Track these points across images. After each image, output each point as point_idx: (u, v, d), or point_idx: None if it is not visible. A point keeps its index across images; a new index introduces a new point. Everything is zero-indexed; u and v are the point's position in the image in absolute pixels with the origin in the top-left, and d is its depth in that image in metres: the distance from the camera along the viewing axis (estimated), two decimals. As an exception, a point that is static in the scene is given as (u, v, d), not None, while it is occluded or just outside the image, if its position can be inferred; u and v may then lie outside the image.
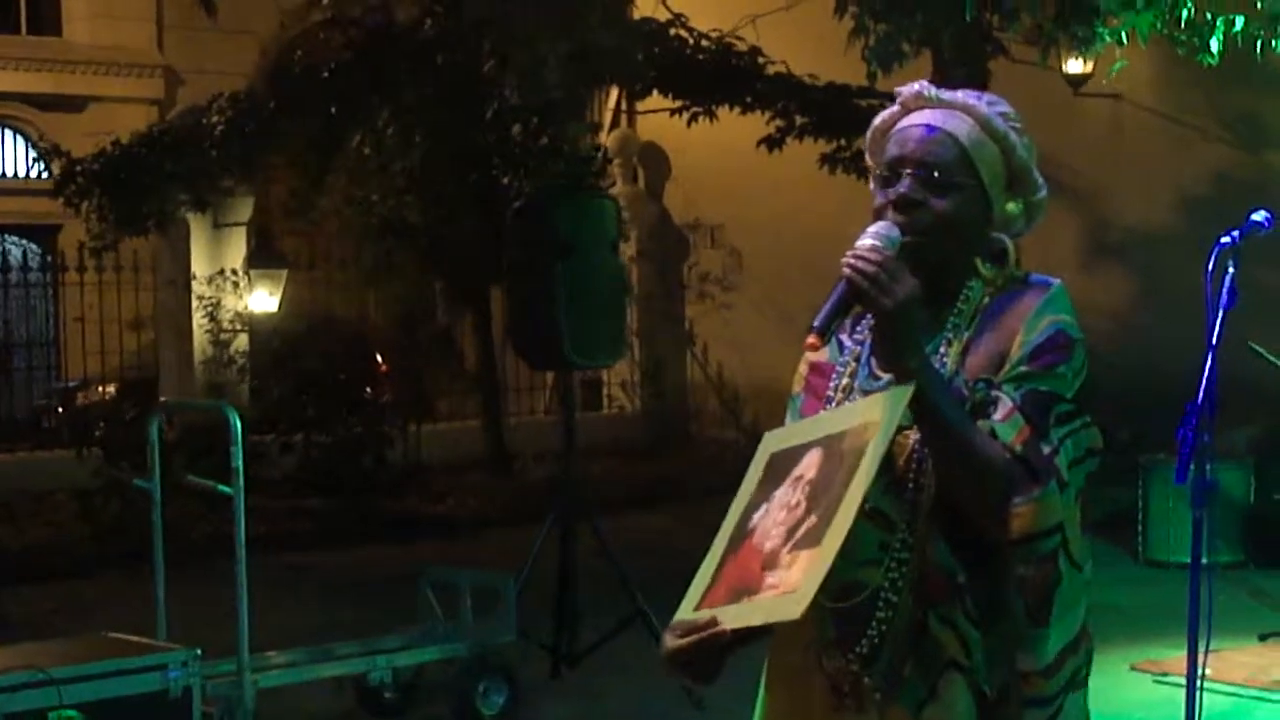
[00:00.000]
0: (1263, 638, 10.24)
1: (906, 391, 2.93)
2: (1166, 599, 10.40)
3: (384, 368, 19.81)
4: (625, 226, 10.34)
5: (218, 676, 7.87)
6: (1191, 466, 5.78)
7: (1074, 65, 16.23)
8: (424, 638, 9.09)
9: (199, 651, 7.31)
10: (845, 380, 3.21)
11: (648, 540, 13.49)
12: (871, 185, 3.22)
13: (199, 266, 19.37)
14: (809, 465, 3.04)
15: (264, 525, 14.55)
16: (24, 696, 6.73)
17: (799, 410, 3.31)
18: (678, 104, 17.14)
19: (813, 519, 2.91)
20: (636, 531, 13.61)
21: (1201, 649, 5.92)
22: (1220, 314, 5.67)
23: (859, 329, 3.22)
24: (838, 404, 3.19)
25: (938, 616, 3.04)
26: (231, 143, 16.23)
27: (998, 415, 3.02)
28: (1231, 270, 5.63)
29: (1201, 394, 5.77)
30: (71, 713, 6.66)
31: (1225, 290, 5.62)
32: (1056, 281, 3.17)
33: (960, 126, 3.16)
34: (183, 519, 12.76)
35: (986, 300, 3.14)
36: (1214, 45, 10.70)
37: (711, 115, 16.95)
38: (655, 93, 17.33)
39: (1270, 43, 10.75)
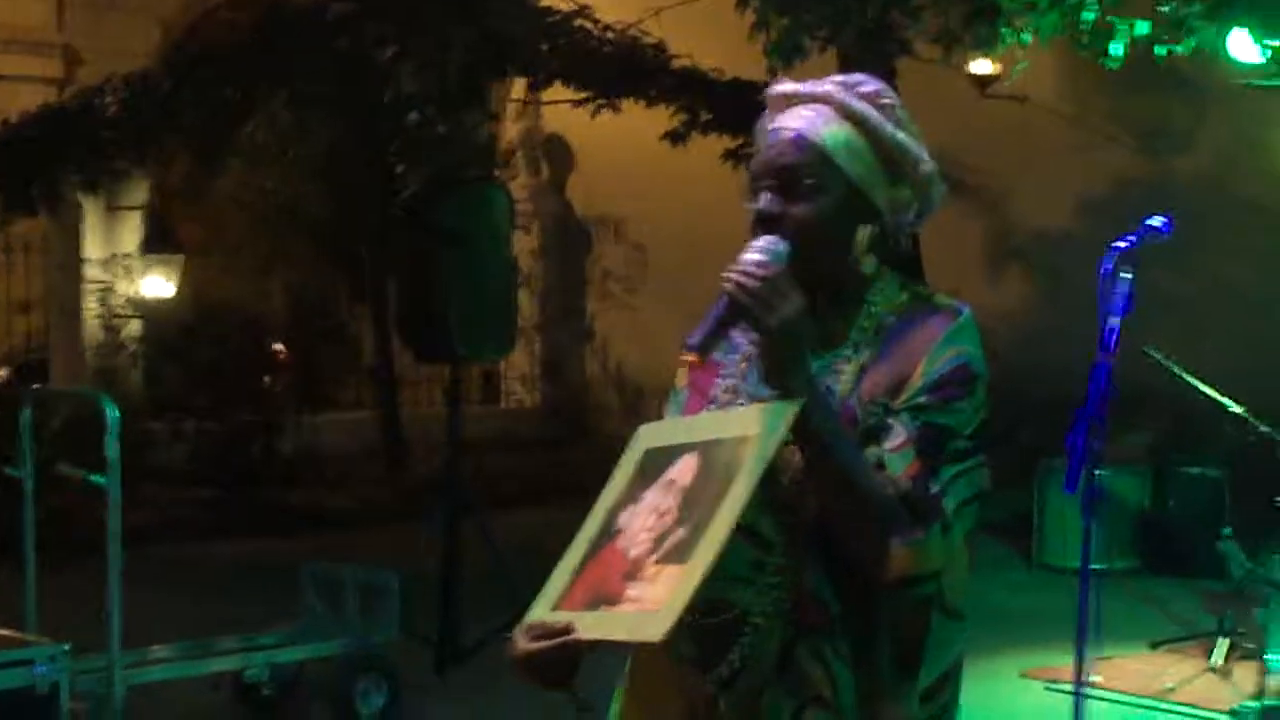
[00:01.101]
0: (1155, 645, 10.20)
1: (789, 409, 2.79)
2: (1058, 605, 10.34)
3: (280, 356, 19.57)
4: (522, 218, 10.16)
5: (88, 672, 7.65)
6: (1081, 475, 5.68)
7: (981, 66, 16.17)
8: (304, 634, 8.92)
9: (67, 646, 7.09)
10: (733, 381, 3.09)
11: (540, 536, 13.26)
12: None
13: (92, 250, 19.05)
14: (684, 470, 2.90)
15: (149, 514, 14.34)
16: (-122, 691, 6.51)
17: (681, 406, 3.18)
18: (582, 96, 16.96)
19: (681, 532, 2.77)
20: (529, 528, 13.38)
21: (1091, 657, 5.84)
22: (1115, 320, 5.58)
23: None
24: (722, 405, 3.06)
25: (807, 647, 2.89)
26: (126, 124, 15.94)
27: (889, 444, 2.88)
28: (1127, 276, 5.54)
29: (1092, 401, 5.67)
30: (-73, 709, 6.44)
31: (1120, 296, 5.53)
32: (965, 309, 3.02)
33: (815, 122, 3.02)
34: (61, 510, 12.49)
35: (892, 320, 3.00)
36: (1117, 49, 10.62)
37: (616, 108, 16.78)
38: (559, 84, 17.15)
39: (1174, 48, 10.69)
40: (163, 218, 19.31)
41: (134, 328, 18.85)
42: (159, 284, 19.02)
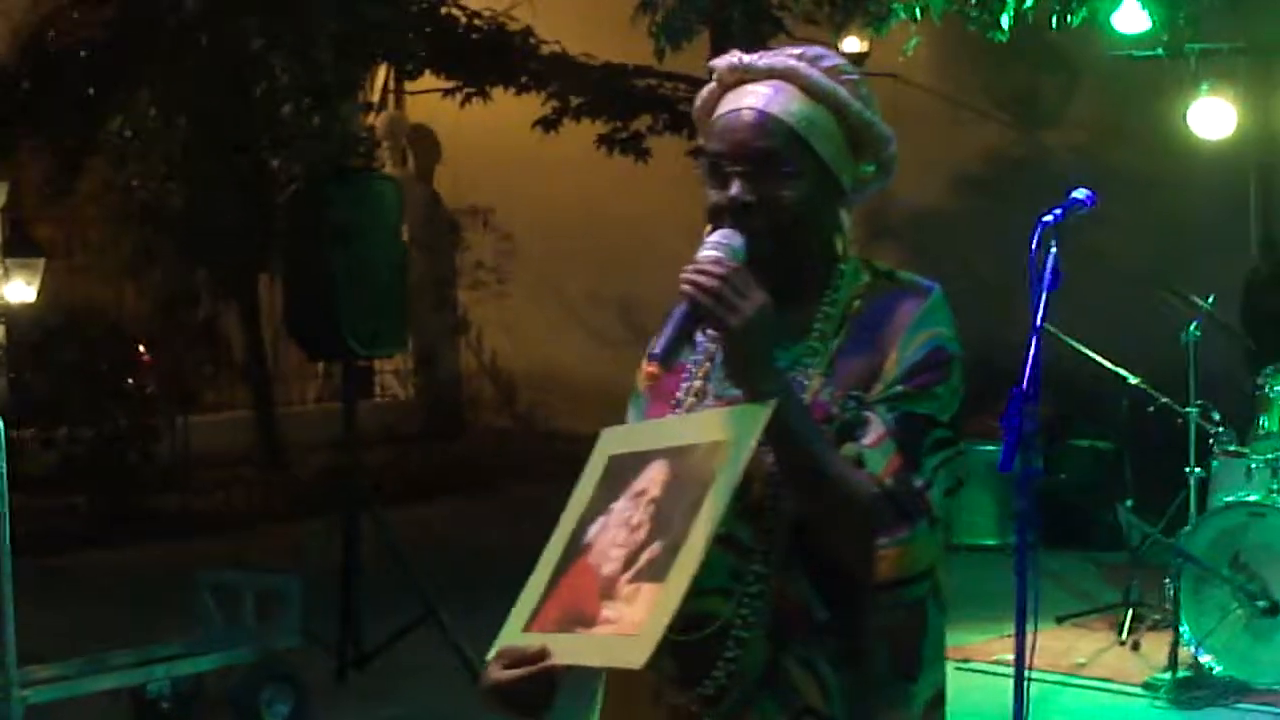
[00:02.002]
0: (1060, 620, 10.17)
1: (760, 412, 2.64)
2: (961, 583, 10.27)
3: (146, 358, 19.22)
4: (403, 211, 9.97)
5: (-17, 693, 7.41)
6: (1017, 454, 5.59)
7: (850, 44, 16.14)
8: (204, 644, 8.70)
9: (-39, 668, 6.87)
10: (698, 382, 2.93)
11: (428, 534, 13.20)
12: (702, 176, 2.93)
13: (-50, 254, 18.63)
14: (652, 480, 2.75)
15: (24, 525, 13.99)
16: None
17: (643, 411, 3.03)
18: (450, 84, 16.76)
19: (656, 547, 2.63)
20: (416, 524, 13.27)
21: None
22: (1044, 295, 5.50)
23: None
24: (688, 409, 2.91)
25: (795, 657, 2.75)
26: (-18, 124, 15.60)
27: (867, 440, 2.74)
28: (1054, 250, 5.45)
29: (1026, 379, 5.58)
30: None
31: (1049, 270, 5.45)
32: (935, 287, 2.91)
33: (783, 101, 2.85)
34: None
35: (857, 304, 2.88)
36: (1005, 21, 10.59)
37: (485, 96, 16.60)
38: (427, 73, 16.95)
39: (1066, 18, 10.67)
40: (22, 220, 18.87)
41: (-3, 334, 18.46)
42: (20, 288, 18.59)
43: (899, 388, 2.77)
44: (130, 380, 17.30)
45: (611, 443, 2.93)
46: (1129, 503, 10.35)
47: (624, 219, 18.50)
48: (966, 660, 9.23)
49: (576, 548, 2.78)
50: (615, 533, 2.72)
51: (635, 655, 2.52)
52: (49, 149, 16.79)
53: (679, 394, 2.93)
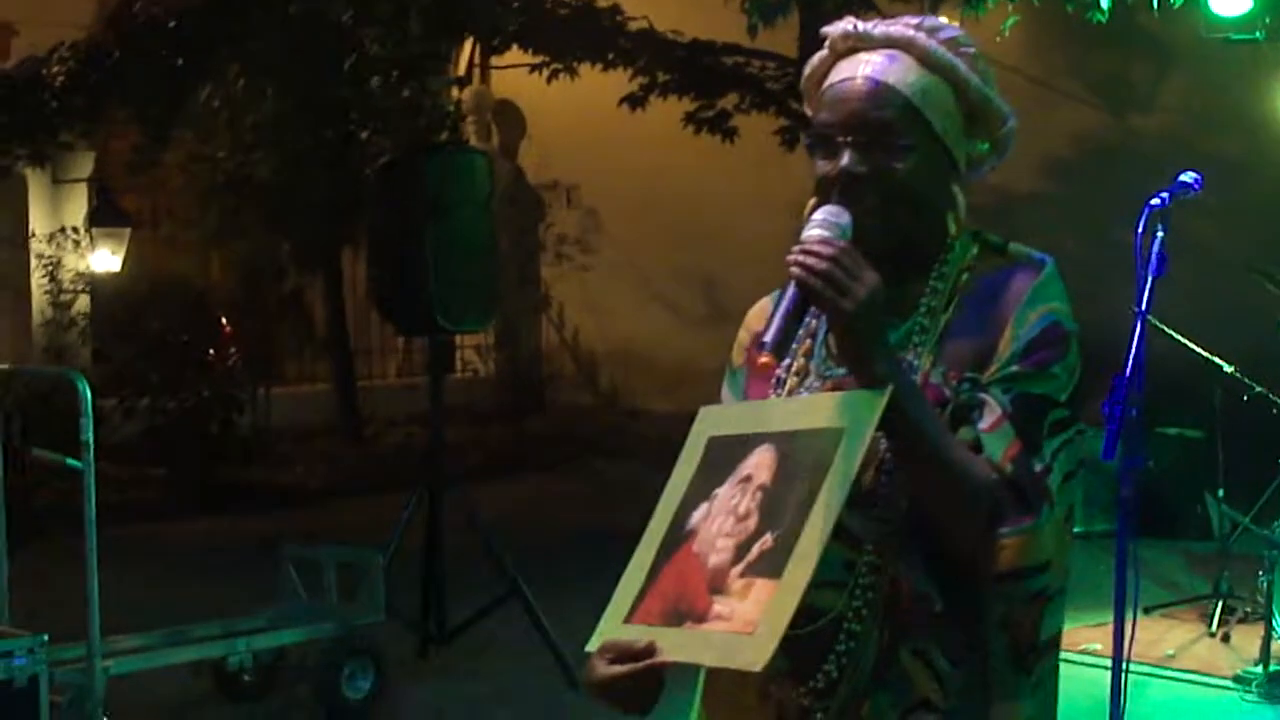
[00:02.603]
0: (1148, 610, 10.02)
1: (876, 398, 2.51)
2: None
3: (229, 329, 19.26)
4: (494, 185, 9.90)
5: (66, 663, 7.39)
6: (1119, 442, 5.50)
7: (941, 25, 16.01)
8: (286, 618, 8.66)
9: (45, 637, 6.86)
10: (799, 360, 2.81)
11: (508, 510, 13.16)
12: (808, 148, 2.79)
13: (38, 224, 18.71)
14: (760, 466, 2.61)
15: (107, 494, 14.03)
16: None
17: (741, 389, 2.91)
18: (537, 60, 16.70)
19: (768, 539, 2.50)
20: (496, 500, 13.21)
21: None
22: (1150, 280, 5.40)
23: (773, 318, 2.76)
24: (790, 390, 2.79)
25: (910, 649, 2.63)
26: (73, 94, 15.61)
27: (984, 423, 2.60)
28: (1161, 234, 5.34)
29: (1129, 366, 5.49)
30: (-95, 708, 6.17)
31: (1155, 254, 5.34)
32: (1049, 260, 2.75)
33: (899, 71, 2.71)
34: (17, 490, 12.19)
35: (965, 279, 2.73)
36: (1104, 2, 10.43)
37: (572, 72, 16.54)
38: (514, 48, 16.90)
39: (1171, 1, 10.50)
40: (109, 190, 18.94)
41: (82, 303, 18.53)
42: (106, 258, 18.68)
43: (1014, 367, 2.62)
44: (213, 352, 17.35)
45: (711, 423, 2.80)
46: (1220, 492, 10.19)
47: (708, 197, 18.43)
48: (1058, 650, 9.12)
49: (679, 534, 2.66)
50: (721, 520, 2.60)
51: (754, 656, 2.40)
52: (137, 119, 16.81)
53: (779, 372, 2.81)
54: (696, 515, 2.65)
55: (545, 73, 16.70)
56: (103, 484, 13.77)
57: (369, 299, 11.58)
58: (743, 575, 2.50)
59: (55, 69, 15.74)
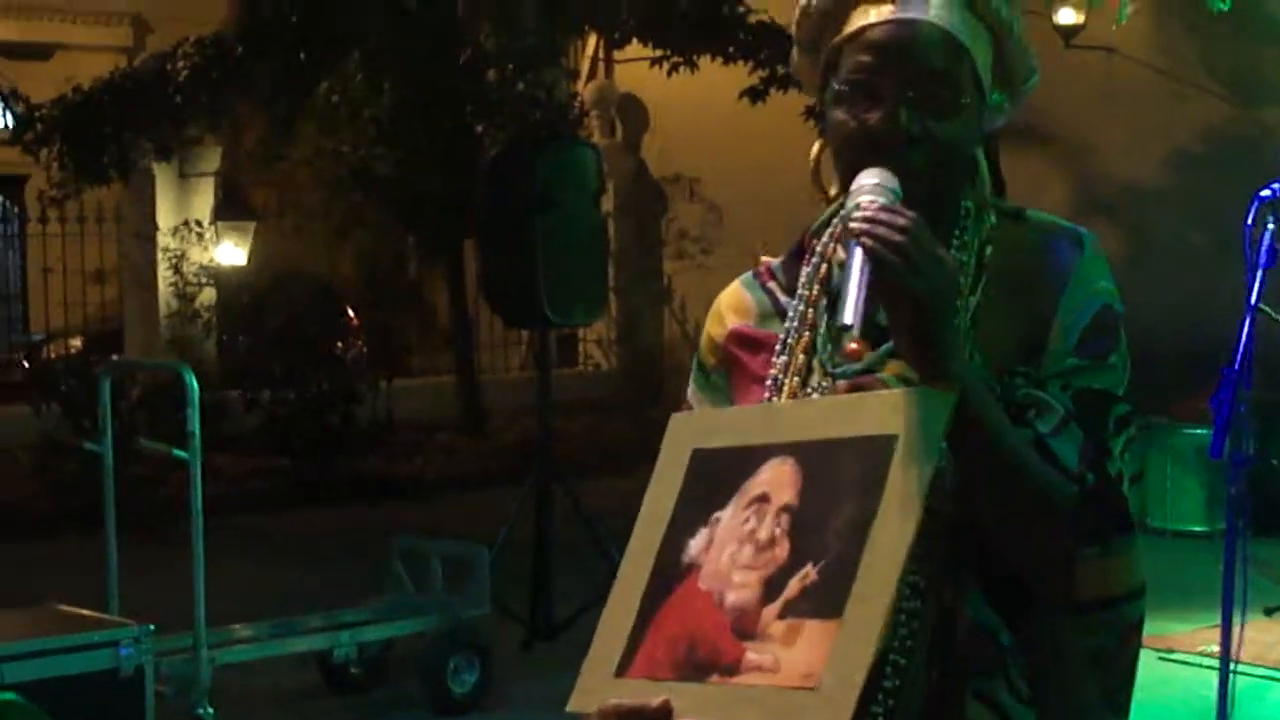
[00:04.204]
0: (1269, 611, 9.86)
1: (945, 400, 2.11)
2: (1167, 570, 10.01)
3: (354, 322, 19.37)
4: (605, 179, 9.89)
5: (172, 653, 7.44)
6: (1227, 438, 5.38)
7: (1066, 16, 15.82)
8: (392, 610, 8.68)
9: (152, 627, 6.89)
10: (798, 357, 2.38)
11: (625, 504, 13.08)
12: (807, 82, 2.44)
13: (164, 218, 18.92)
14: (776, 483, 2.20)
15: (227, 485, 14.18)
16: (-39, 676, 6.30)
17: (728, 393, 2.49)
18: (658, 54, 16.68)
19: (810, 572, 2.09)
20: (615, 494, 13.15)
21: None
22: (1259, 273, 5.27)
23: (806, 277, 2.44)
24: (790, 392, 2.37)
25: (973, 690, 2.26)
26: (197, 89, 15.78)
27: (1047, 426, 2.25)
28: (1272, 226, 5.22)
29: (1238, 359, 5.36)
30: (12, 695, 6.21)
31: (1265, 247, 5.23)
32: (1086, 233, 2.39)
33: (952, 14, 2.30)
34: (141, 481, 12.32)
35: (990, 254, 2.35)
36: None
37: (692, 66, 16.49)
38: (635, 42, 16.88)
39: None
40: (235, 184, 19.13)
41: (207, 296, 18.71)
42: (231, 251, 18.86)
43: (1071, 360, 2.29)
44: (337, 344, 17.45)
45: (691, 433, 2.35)
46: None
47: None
48: (1170, 651, 8.96)
49: (675, 569, 2.22)
50: (734, 550, 2.18)
51: (828, 717, 1.99)
52: (262, 114, 16.97)
53: (774, 371, 2.40)
54: (695, 544, 2.23)
55: (666, 66, 16.67)
56: (223, 475, 14.00)
57: (480, 291, 11.57)
58: (782, 616, 2.09)
59: (180, 65, 15.91)
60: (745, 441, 2.27)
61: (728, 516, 2.22)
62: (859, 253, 2.12)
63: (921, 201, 2.23)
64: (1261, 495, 12.50)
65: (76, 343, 19.44)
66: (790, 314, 2.43)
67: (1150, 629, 7.75)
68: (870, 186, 2.20)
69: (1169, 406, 12.13)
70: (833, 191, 2.44)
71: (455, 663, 8.40)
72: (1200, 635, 9.06)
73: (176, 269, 18.61)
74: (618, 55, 20.14)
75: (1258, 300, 5.14)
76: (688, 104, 19.01)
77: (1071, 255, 2.36)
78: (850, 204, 2.19)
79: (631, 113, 21.66)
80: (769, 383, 2.40)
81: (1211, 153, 16.53)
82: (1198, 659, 8.71)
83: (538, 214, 8.99)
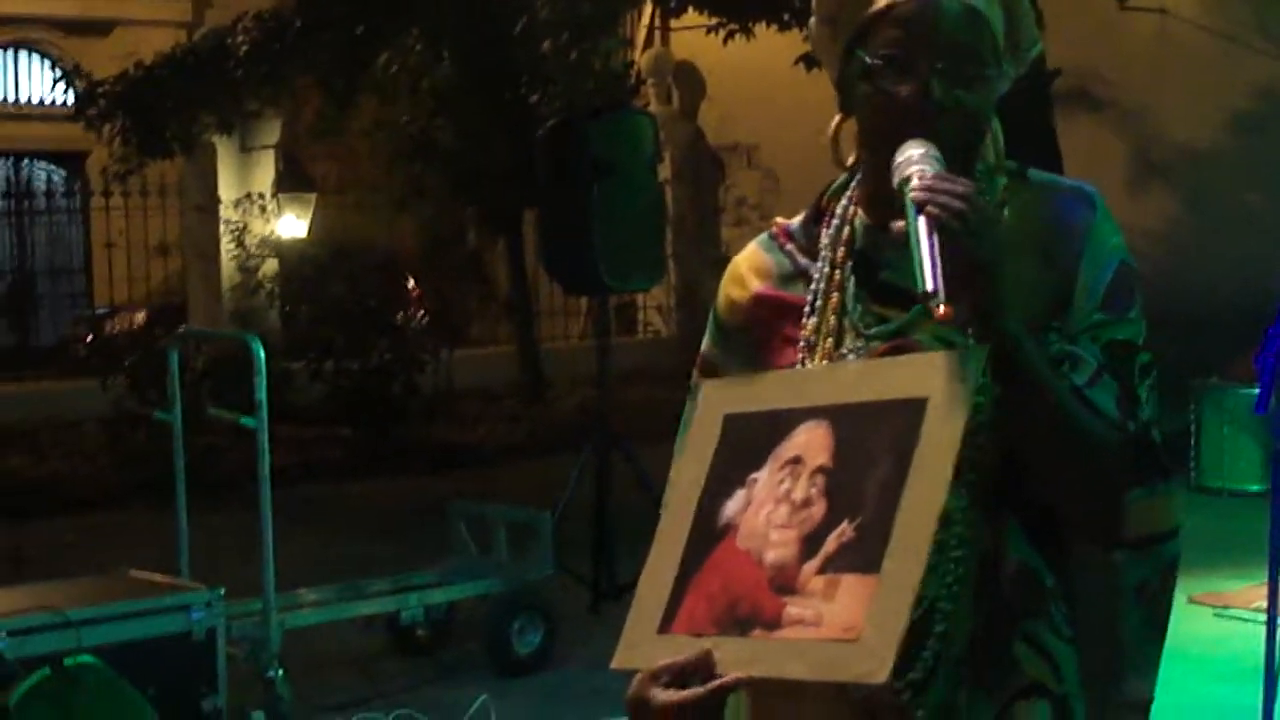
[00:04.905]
0: (1306, 567, 9.90)
1: (976, 359, 2.21)
2: (1221, 529, 10.10)
3: (415, 292, 19.53)
4: (661, 147, 9.99)
5: (243, 616, 7.59)
6: (1272, 396, 5.47)
7: (1118, -22, 15.83)
8: (457, 574, 8.81)
9: (223, 591, 7.04)
10: (829, 319, 2.44)
11: (685, 469, 13.21)
12: (827, 56, 2.48)
13: (226, 191, 19.11)
14: (810, 445, 2.27)
15: (292, 455, 14.34)
16: (40, 639, 6.43)
17: (754, 356, 2.51)
18: (713, 21, 16.72)
19: (847, 529, 2.16)
20: (671, 460, 13.30)
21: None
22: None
23: (828, 239, 2.49)
24: (825, 354, 2.42)
25: (1017, 630, 2.35)
26: (257, 63, 15.90)
27: (1082, 377, 2.34)
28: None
29: (1282, 319, 5.44)
30: (88, 658, 6.37)
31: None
32: (1095, 191, 2.46)
33: None
34: (210, 450, 12.50)
35: (1005, 213, 2.42)
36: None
37: (748, 33, 16.52)
38: (690, 10, 16.92)
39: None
40: (295, 157, 19.29)
41: (270, 268, 18.88)
42: (293, 223, 19.04)
43: (1098, 315, 2.38)
44: (399, 314, 17.60)
45: (721, 399, 2.43)
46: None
47: (888, 158, 18.41)
48: (1226, 607, 9.03)
49: (712, 529, 2.29)
50: (770, 510, 2.25)
51: (871, 666, 2.06)
52: (321, 87, 17.10)
53: (805, 334, 2.45)
54: (732, 505, 2.30)
55: (722, 34, 16.70)
56: (288, 444, 14.16)
57: (539, 259, 11.69)
58: (821, 571, 2.16)
59: (240, 39, 16.04)
60: (777, 406, 2.34)
61: (764, 478, 2.29)
62: (923, 221, 2.20)
63: (949, 166, 2.29)
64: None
65: (140, 317, 19.62)
66: (816, 276, 2.48)
67: (1205, 586, 7.88)
68: (919, 157, 2.28)
69: (1223, 366, 12.20)
70: (849, 160, 2.51)
71: (520, 624, 8.52)
72: (1254, 592, 9.12)
73: (239, 242, 18.79)
74: (673, 23, 20.17)
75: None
76: (744, 71, 19.06)
77: (1086, 214, 2.43)
78: (900, 176, 2.27)
79: (688, 81, 21.72)
80: (801, 345, 2.45)
81: (1267, 112, 16.53)
82: (1252, 615, 8.77)
83: (595, 182, 9.09)
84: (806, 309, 2.47)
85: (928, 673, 2.31)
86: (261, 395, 7.51)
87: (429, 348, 17.08)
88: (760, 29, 16.42)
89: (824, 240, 2.49)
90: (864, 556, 2.13)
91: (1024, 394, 2.26)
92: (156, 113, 16.13)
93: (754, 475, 2.30)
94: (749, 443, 2.34)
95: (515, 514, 9.07)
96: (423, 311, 18.73)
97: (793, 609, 2.15)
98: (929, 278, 2.17)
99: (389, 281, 18.58)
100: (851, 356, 2.41)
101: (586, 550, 9.51)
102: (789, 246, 2.56)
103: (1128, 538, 2.37)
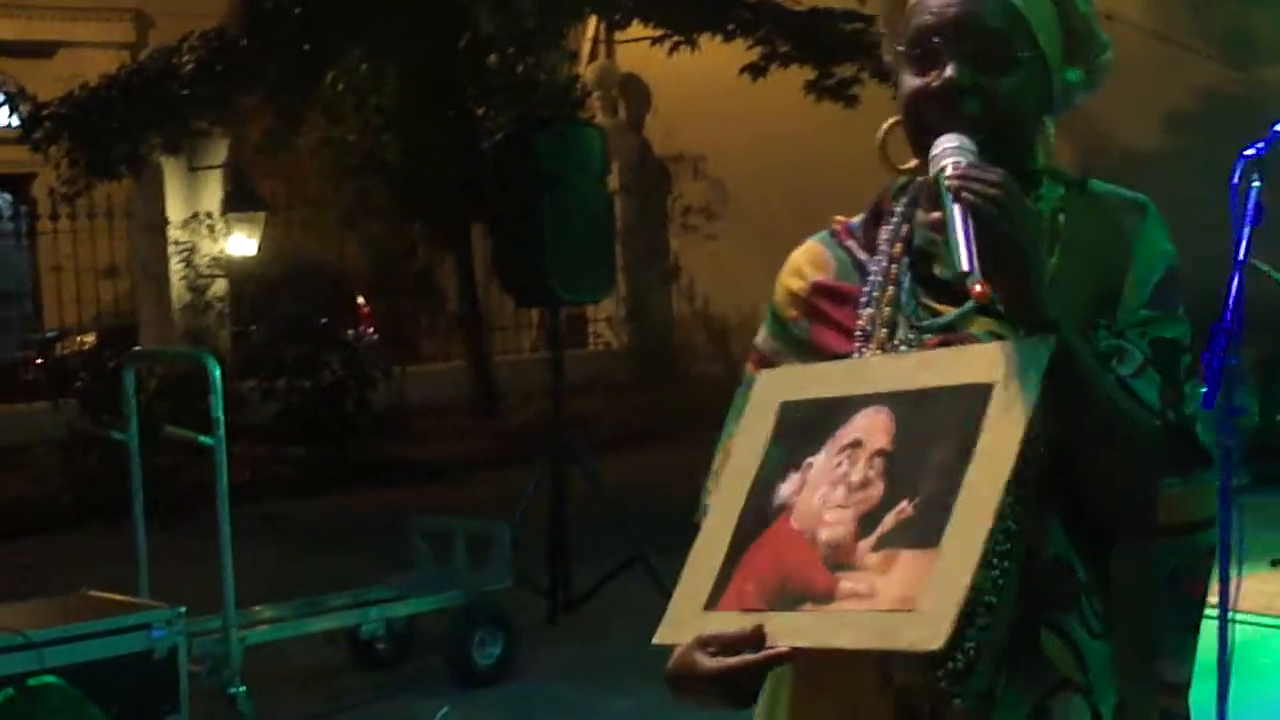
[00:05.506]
0: (1275, 563, 10.00)
1: (1042, 348, 2.24)
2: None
3: (365, 309, 19.54)
4: (608, 158, 10.05)
5: (204, 634, 7.60)
6: (1219, 392, 5.54)
7: (1061, -16, 15.95)
8: (417, 587, 8.83)
9: (183, 609, 7.06)
10: (884, 309, 2.50)
11: (640, 479, 13.26)
12: (894, 68, 2.54)
13: (174, 211, 19.06)
14: (869, 430, 2.32)
15: (246, 473, 14.32)
16: (2, 661, 6.46)
17: (809, 343, 2.58)
18: (658, 33, 16.78)
19: (905, 507, 2.21)
20: (628, 471, 13.35)
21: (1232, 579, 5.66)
22: (1246, 230, 5.42)
23: (887, 235, 2.55)
24: (880, 344, 2.47)
25: (1050, 624, 2.39)
26: (203, 83, 15.88)
27: (1128, 370, 2.40)
28: (1258, 184, 5.36)
29: (1229, 314, 5.51)
30: (51, 678, 6.39)
31: (1251, 204, 5.36)
32: (1147, 199, 2.53)
33: None
34: (164, 470, 12.48)
35: (1061, 219, 2.49)
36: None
37: (693, 44, 16.60)
38: (635, 22, 16.99)
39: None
40: (243, 176, 19.26)
41: (220, 287, 18.85)
42: (242, 242, 19.02)
43: (1145, 312, 2.44)
44: (349, 331, 17.61)
45: (778, 387, 2.49)
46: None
47: (834, 164, 18.41)
48: (1179, 603, 9.11)
49: (765, 510, 2.35)
50: (827, 491, 2.30)
51: (926, 634, 2.10)
52: (268, 105, 17.09)
53: (861, 324, 2.51)
54: (786, 488, 2.35)
55: (667, 45, 16.77)
56: (243, 463, 14.15)
57: (490, 273, 11.74)
58: (878, 548, 2.21)
59: (185, 59, 16.02)
60: (835, 393, 2.39)
61: (820, 461, 2.34)
62: (958, 208, 2.27)
63: (983, 153, 2.37)
64: (1268, 452, 12.67)
65: (90, 338, 19.56)
66: (874, 269, 2.55)
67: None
68: (953, 149, 2.35)
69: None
70: (911, 164, 2.57)
71: (480, 635, 8.55)
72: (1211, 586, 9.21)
73: (188, 262, 18.74)
74: (618, 36, 20.25)
75: (1245, 257, 5.29)
76: (689, 82, 19.12)
77: (1137, 220, 2.50)
78: (935, 167, 2.35)
79: (634, 93, 21.79)
80: (857, 334, 2.52)
81: (1207, 115, 16.66)
82: (1209, 611, 8.85)
83: (544, 194, 9.15)
84: (863, 300, 2.53)
85: (969, 663, 2.34)
86: (219, 413, 7.53)
87: (380, 364, 17.09)
88: (705, 40, 16.51)
89: (883, 236, 2.56)
90: (923, 533, 2.18)
91: (1066, 380, 2.29)
92: (103, 134, 16.08)
93: (809, 459, 2.35)
94: (805, 428, 2.39)
95: (473, 525, 9.11)
96: (373, 328, 18.75)
97: (846, 583, 2.20)
98: (963, 258, 2.24)
99: (339, 299, 18.59)
100: (904, 349, 2.47)
101: (543, 562, 9.55)
102: (848, 242, 2.63)
103: (1163, 525, 2.42)
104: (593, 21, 20.37)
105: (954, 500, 2.18)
